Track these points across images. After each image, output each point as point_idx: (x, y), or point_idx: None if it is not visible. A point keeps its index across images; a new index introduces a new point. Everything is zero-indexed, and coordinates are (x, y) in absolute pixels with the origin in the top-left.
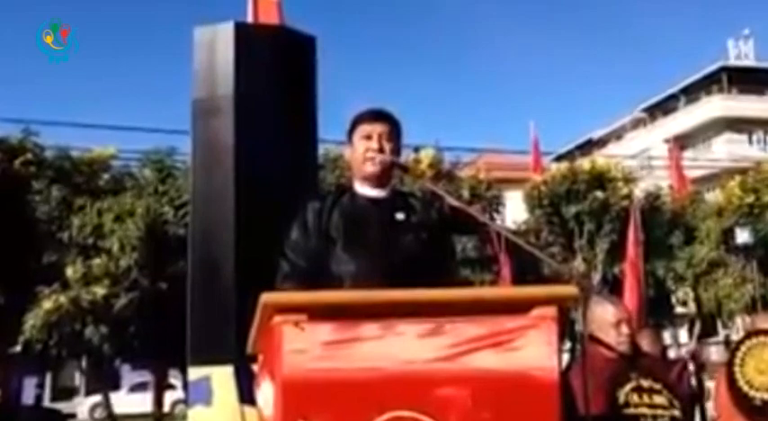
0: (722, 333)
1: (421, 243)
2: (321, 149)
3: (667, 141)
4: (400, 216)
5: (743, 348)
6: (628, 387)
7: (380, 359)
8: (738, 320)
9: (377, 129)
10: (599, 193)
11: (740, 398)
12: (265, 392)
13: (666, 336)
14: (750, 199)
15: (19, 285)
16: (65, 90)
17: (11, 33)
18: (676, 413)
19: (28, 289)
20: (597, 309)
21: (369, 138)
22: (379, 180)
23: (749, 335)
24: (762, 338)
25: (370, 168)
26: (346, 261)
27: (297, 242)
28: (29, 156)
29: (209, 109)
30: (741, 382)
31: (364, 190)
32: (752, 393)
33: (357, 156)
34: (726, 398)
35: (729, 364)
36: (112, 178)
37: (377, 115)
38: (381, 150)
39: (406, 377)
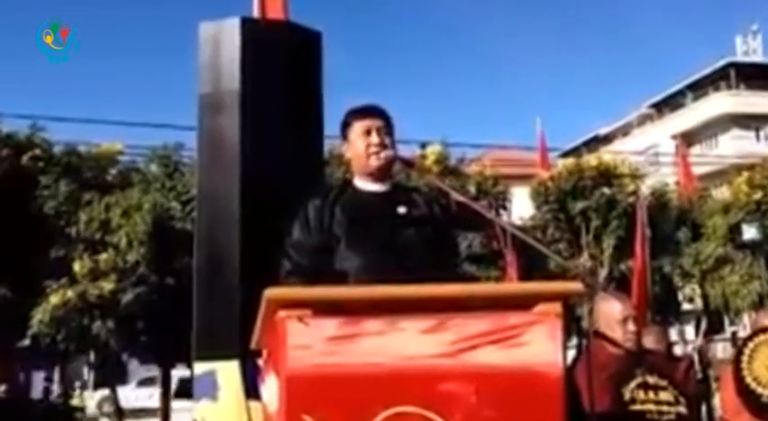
0: (729, 330)
1: (423, 237)
2: (327, 145)
3: (674, 137)
4: (402, 210)
5: (750, 345)
6: (633, 383)
7: (385, 355)
8: (746, 317)
9: (375, 124)
10: (606, 190)
11: (747, 395)
12: (270, 387)
13: (673, 333)
14: (757, 195)
15: (27, 280)
16: (73, 86)
17: (18, 31)
18: (682, 409)
19: (36, 283)
20: (604, 306)
21: (368, 133)
22: (381, 174)
23: (756, 332)
24: None
25: (375, 163)
26: (350, 257)
27: (299, 240)
28: (37, 151)
29: (215, 104)
30: (748, 379)
31: (365, 185)
32: (759, 390)
33: (359, 153)
34: (733, 395)
35: (736, 361)
36: (120, 173)
37: (371, 110)
38: (382, 144)
39: (410, 373)
